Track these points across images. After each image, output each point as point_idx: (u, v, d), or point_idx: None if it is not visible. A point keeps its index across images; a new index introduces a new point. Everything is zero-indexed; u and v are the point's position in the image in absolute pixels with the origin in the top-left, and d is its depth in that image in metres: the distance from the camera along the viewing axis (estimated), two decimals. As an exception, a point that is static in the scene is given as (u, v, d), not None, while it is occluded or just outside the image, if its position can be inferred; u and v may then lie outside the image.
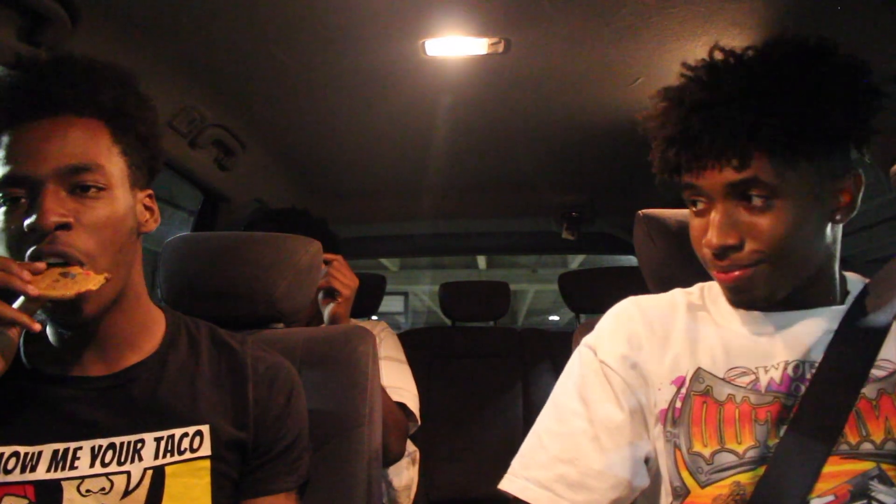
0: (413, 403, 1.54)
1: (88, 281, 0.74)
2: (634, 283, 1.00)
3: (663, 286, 0.95)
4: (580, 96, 1.65)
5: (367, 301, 2.22)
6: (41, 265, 0.72)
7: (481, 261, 9.32)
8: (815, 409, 0.76)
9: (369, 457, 1.03)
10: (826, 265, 0.82)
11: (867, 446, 0.74)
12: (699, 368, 0.81)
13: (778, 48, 0.76)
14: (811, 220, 0.77)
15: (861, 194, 0.80)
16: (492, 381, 2.41)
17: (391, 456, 1.52)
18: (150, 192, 0.89)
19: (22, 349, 0.85)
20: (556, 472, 0.80)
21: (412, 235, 3.01)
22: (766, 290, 0.79)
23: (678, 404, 0.81)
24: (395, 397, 1.51)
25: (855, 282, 0.87)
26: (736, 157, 0.74)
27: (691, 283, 0.93)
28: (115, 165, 0.80)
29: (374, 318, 2.42)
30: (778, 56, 0.75)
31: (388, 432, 1.42)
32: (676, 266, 1.03)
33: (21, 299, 0.72)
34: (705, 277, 0.89)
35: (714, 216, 0.78)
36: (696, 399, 0.80)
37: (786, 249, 0.76)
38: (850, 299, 0.84)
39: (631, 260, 3.06)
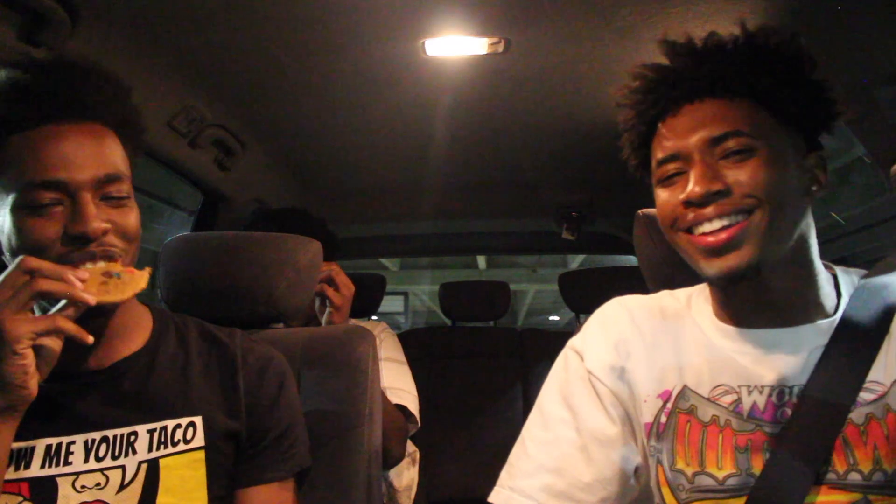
0: (413, 405, 1.53)
1: (139, 280, 0.78)
2: (634, 283, 1.00)
3: (663, 286, 0.95)
4: (580, 96, 1.65)
5: (367, 301, 2.22)
6: (85, 274, 0.74)
7: (481, 261, 9.31)
8: (799, 437, 0.73)
9: (369, 457, 1.03)
10: (804, 253, 0.78)
11: (854, 476, 0.71)
12: (685, 387, 0.79)
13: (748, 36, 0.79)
14: (793, 178, 0.75)
15: (827, 175, 0.79)
16: (492, 381, 2.41)
17: (391, 459, 1.52)
18: None
19: None
20: (542, 481, 0.78)
21: (412, 235, 3.00)
22: (755, 251, 0.73)
23: (663, 419, 0.79)
24: (395, 399, 1.50)
25: (848, 283, 0.82)
26: (724, 92, 0.75)
27: (691, 283, 0.92)
28: (130, 174, 0.84)
29: (374, 318, 2.42)
30: (748, 37, 0.78)
31: (388, 435, 1.41)
32: (676, 266, 1.02)
33: (62, 303, 0.73)
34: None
35: (694, 170, 0.75)
36: (681, 416, 0.79)
37: (778, 196, 0.72)
38: (841, 307, 0.79)
39: (631, 260, 3.06)
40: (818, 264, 0.80)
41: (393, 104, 1.70)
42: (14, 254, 0.76)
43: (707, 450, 0.77)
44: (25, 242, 0.76)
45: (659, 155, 0.79)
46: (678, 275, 1.00)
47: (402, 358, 1.65)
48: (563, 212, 2.57)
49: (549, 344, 2.48)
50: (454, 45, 1.38)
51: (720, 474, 0.75)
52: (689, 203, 0.75)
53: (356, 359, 1.09)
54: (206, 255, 1.14)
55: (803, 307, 0.78)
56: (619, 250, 3.04)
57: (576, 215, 2.56)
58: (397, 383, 1.56)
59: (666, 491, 0.78)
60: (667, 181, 0.79)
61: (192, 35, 1.33)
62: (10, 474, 0.77)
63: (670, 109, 0.78)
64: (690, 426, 0.78)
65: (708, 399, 0.78)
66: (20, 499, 0.77)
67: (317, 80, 1.55)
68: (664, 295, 0.90)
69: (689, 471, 0.77)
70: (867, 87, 1.28)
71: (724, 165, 0.74)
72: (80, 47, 1.16)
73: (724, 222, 0.73)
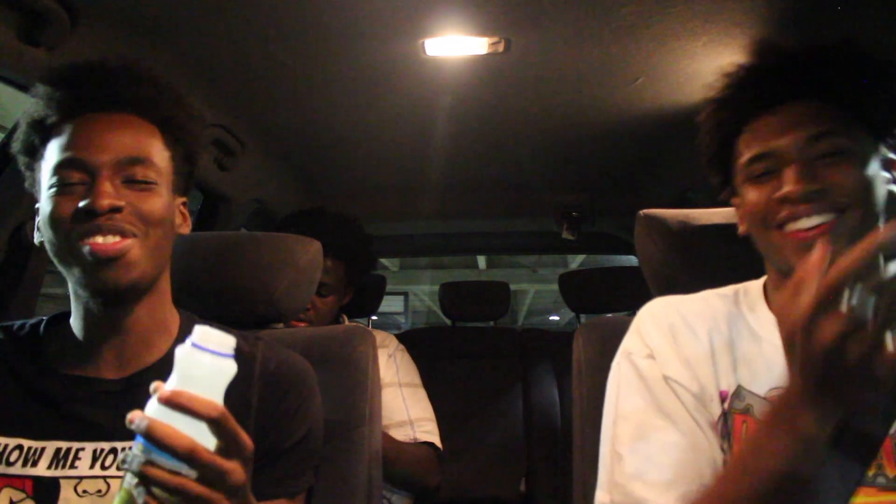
0: (436, 435, 1.52)
1: None
2: (634, 283, 1.00)
3: (664, 286, 0.95)
4: (580, 96, 1.65)
5: (367, 301, 2.22)
6: None
7: (481, 261, 9.32)
8: (851, 434, 0.70)
9: (369, 457, 1.03)
10: None
11: None
12: (739, 386, 0.79)
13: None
14: (878, 179, 0.76)
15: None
16: (492, 381, 2.41)
17: (430, 489, 1.53)
18: (184, 199, 0.94)
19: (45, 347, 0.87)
20: (678, 491, 0.74)
21: (412, 235, 3.00)
22: (843, 248, 0.70)
23: (723, 420, 0.79)
24: (424, 436, 1.50)
25: None
26: (819, 93, 0.76)
27: (692, 283, 0.91)
28: (164, 165, 0.86)
29: (374, 318, 2.41)
30: (839, 42, 0.79)
31: (423, 474, 1.46)
32: (677, 266, 1.02)
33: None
34: (707, 278, 0.88)
35: (790, 169, 0.76)
36: (736, 417, 0.78)
37: (870, 198, 0.74)
38: None
39: (631, 260, 3.06)
40: None
41: (393, 104, 1.70)
42: (41, 230, 0.81)
43: None
44: (47, 218, 0.79)
45: (749, 153, 0.80)
46: (679, 275, 1.00)
47: (418, 380, 1.64)
48: (563, 212, 2.57)
49: (549, 344, 2.47)
50: (454, 45, 1.38)
51: None
52: (784, 200, 0.76)
53: (356, 359, 1.09)
54: (206, 254, 1.14)
55: None
56: (619, 250, 3.05)
57: (576, 215, 2.56)
58: (422, 412, 1.54)
59: None
60: (756, 179, 0.80)
61: (193, 35, 1.32)
62: (18, 470, 0.78)
63: (763, 108, 0.79)
64: (746, 426, 0.77)
65: (764, 398, 0.77)
66: (23, 495, 0.78)
67: (316, 80, 1.55)
68: (710, 294, 0.89)
69: None
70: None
71: (820, 165, 0.75)
72: (79, 47, 1.16)
73: (821, 219, 0.74)
